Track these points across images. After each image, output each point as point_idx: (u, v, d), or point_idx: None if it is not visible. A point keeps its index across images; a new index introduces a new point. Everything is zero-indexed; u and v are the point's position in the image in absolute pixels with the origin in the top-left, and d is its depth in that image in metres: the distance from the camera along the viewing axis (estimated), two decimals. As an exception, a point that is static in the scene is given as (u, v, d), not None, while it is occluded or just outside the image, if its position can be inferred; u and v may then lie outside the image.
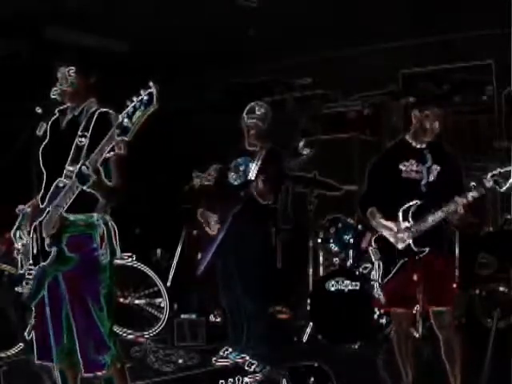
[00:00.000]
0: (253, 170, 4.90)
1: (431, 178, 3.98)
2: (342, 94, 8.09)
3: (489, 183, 3.67)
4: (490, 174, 3.67)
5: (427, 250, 3.89)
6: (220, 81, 8.35)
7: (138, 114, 2.90)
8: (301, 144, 4.65)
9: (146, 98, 2.89)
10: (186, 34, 7.29)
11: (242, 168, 4.99)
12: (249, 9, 6.57)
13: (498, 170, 3.67)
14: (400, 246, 3.95)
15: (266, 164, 4.89)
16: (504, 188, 3.66)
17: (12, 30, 6.77)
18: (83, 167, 3.03)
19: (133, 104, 2.90)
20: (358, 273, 5.68)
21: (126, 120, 2.91)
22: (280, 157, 4.97)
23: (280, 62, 8.32)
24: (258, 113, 5.04)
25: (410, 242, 3.91)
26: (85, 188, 3.07)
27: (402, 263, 3.94)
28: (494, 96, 7.39)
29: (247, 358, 4.93)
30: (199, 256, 5.11)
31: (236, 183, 4.99)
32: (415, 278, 3.92)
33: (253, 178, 4.84)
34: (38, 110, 3.37)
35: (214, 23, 6.95)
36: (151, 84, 2.90)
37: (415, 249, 3.91)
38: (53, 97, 3.34)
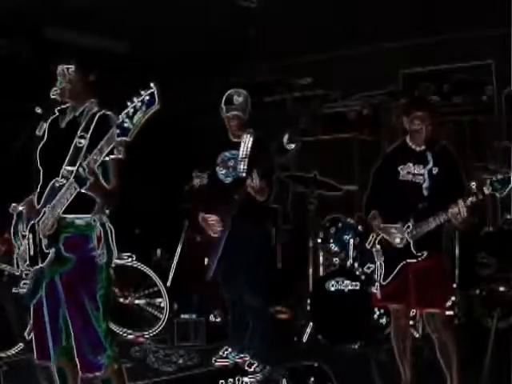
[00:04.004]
0: (241, 162, 4.79)
1: (432, 181, 3.98)
2: (342, 94, 8.09)
3: (488, 190, 3.67)
4: (488, 181, 3.67)
5: (426, 253, 3.93)
6: (220, 81, 8.34)
7: (139, 114, 2.87)
8: (285, 139, 4.36)
9: (147, 98, 2.86)
10: (186, 34, 7.29)
11: (230, 163, 4.87)
12: (249, 9, 6.57)
13: (498, 175, 3.67)
14: (399, 246, 4.00)
15: (254, 152, 4.77)
16: (503, 194, 3.67)
17: (12, 30, 6.77)
18: (80, 169, 3.01)
19: (133, 104, 2.88)
20: (360, 272, 5.67)
21: (126, 120, 2.90)
22: (267, 145, 4.78)
23: (280, 62, 8.32)
24: (236, 103, 4.87)
25: (411, 244, 3.95)
26: (82, 190, 3.06)
27: (402, 265, 3.98)
28: (494, 96, 7.39)
29: (247, 357, 4.93)
30: (206, 261, 5.06)
31: (227, 180, 4.89)
32: (411, 277, 3.96)
33: (243, 175, 4.72)
34: (38, 110, 3.37)
35: (214, 23, 6.95)
36: (152, 84, 2.88)
37: (415, 252, 3.94)
38: (53, 97, 3.34)
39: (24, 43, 7.03)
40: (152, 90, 2.87)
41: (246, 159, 4.78)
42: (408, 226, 3.96)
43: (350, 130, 7.71)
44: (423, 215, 3.90)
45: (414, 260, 3.95)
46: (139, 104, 2.87)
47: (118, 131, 2.92)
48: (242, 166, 4.79)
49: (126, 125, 2.89)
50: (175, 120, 8.01)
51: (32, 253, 3.24)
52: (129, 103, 2.90)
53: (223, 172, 4.92)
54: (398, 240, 4.00)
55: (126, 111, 2.89)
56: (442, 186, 3.91)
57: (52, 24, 7.02)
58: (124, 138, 2.92)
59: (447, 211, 3.78)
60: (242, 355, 4.98)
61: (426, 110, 4.06)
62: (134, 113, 2.87)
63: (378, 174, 4.29)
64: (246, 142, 4.83)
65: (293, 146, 4.41)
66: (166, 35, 7.24)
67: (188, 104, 8.37)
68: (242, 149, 4.83)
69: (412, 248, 3.95)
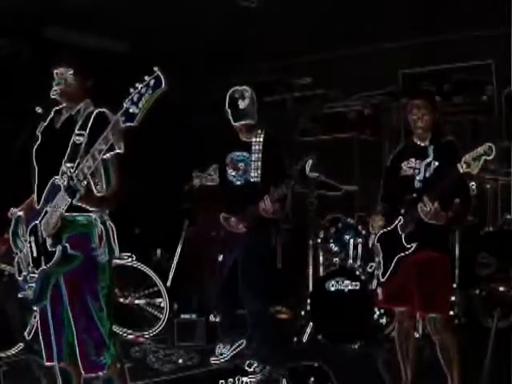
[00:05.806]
0: (254, 168, 4.74)
1: (428, 174, 3.98)
2: (342, 94, 8.09)
3: (462, 168, 3.68)
4: (463, 160, 3.69)
5: (414, 245, 3.92)
6: (220, 81, 8.34)
7: (145, 97, 2.86)
8: (307, 166, 4.36)
9: (152, 81, 2.86)
10: (186, 34, 7.28)
11: (241, 165, 4.82)
12: (249, 9, 6.57)
13: (469, 154, 3.70)
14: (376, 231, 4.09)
15: (266, 154, 4.71)
16: (476, 170, 3.67)
17: (12, 29, 6.77)
18: (71, 182, 2.98)
19: (137, 90, 2.87)
20: (361, 271, 5.67)
21: (131, 106, 2.88)
22: (279, 144, 4.80)
23: (280, 62, 8.32)
24: (242, 107, 4.74)
25: (402, 237, 3.96)
26: (74, 202, 3.03)
27: (396, 260, 3.98)
28: (494, 96, 7.38)
29: (242, 344, 4.98)
30: (220, 258, 5.04)
31: (238, 183, 4.87)
32: (411, 277, 3.95)
33: (258, 180, 4.71)
34: (38, 110, 3.37)
35: (214, 23, 6.95)
36: (156, 68, 2.89)
37: (406, 244, 3.95)
38: (52, 97, 3.34)
39: (24, 43, 7.02)
40: (157, 74, 2.87)
41: (259, 164, 4.72)
42: (399, 219, 3.98)
43: (349, 130, 7.71)
44: (413, 206, 3.89)
45: (406, 252, 3.93)
46: (144, 89, 2.86)
47: (123, 118, 2.91)
48: (254, 173, 4.73)
49: (131, 110, 2.88)
50: (175, 120, 8.01)
51: (35, 254, 3.23)
52: (132, 90, 2.89)
53: (233, 173, 4.87)
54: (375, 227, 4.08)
55: (129, 97, 2.89)
56: (438, 179, 3.89)
57: (52, 24, 7.01)
58: (130, 124, 2.90)
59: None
60: (236, 345, 5.01)
61: (421, 98, 4.08)
62: (140, 98, 2.87)
63: (385, 172, 4.33)
64: (258, 145, 4.76)
65: (316, 175, 4.39)
66: (166, 35, 7.24)
67: (188, 104, 8.37)
68: (253, 152, 4.75)
69: (403, 241, 3.95)
